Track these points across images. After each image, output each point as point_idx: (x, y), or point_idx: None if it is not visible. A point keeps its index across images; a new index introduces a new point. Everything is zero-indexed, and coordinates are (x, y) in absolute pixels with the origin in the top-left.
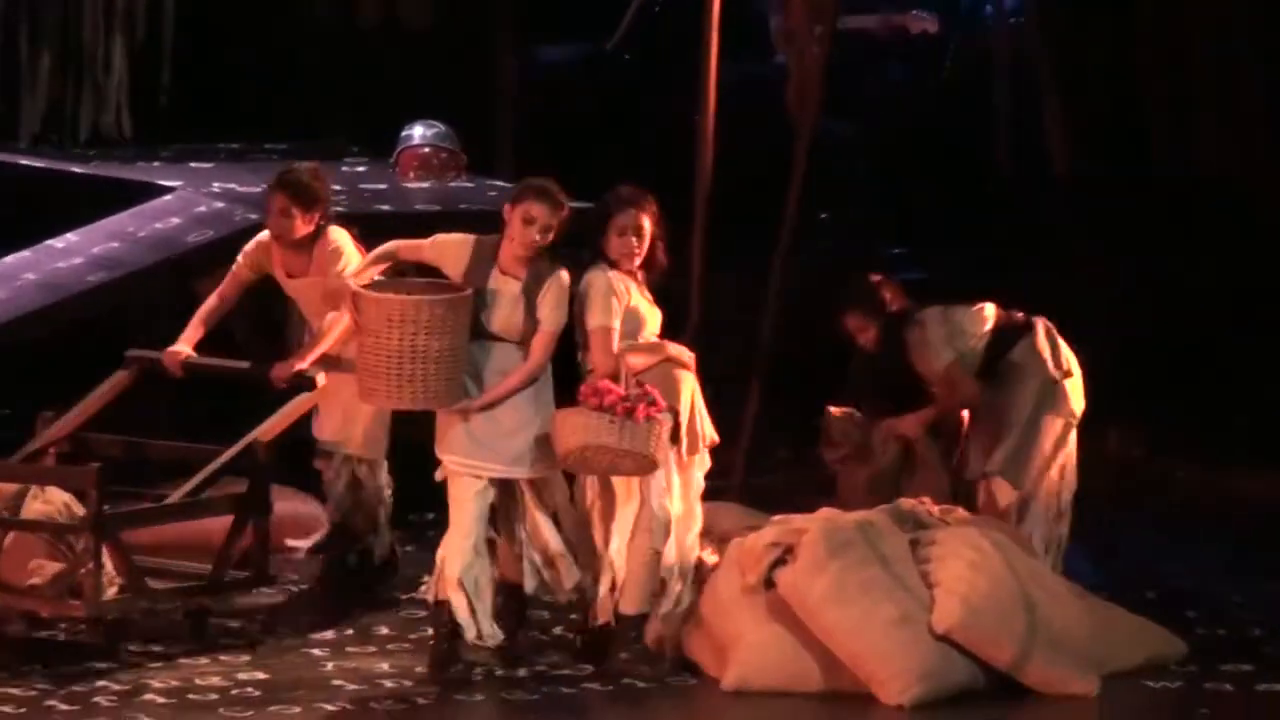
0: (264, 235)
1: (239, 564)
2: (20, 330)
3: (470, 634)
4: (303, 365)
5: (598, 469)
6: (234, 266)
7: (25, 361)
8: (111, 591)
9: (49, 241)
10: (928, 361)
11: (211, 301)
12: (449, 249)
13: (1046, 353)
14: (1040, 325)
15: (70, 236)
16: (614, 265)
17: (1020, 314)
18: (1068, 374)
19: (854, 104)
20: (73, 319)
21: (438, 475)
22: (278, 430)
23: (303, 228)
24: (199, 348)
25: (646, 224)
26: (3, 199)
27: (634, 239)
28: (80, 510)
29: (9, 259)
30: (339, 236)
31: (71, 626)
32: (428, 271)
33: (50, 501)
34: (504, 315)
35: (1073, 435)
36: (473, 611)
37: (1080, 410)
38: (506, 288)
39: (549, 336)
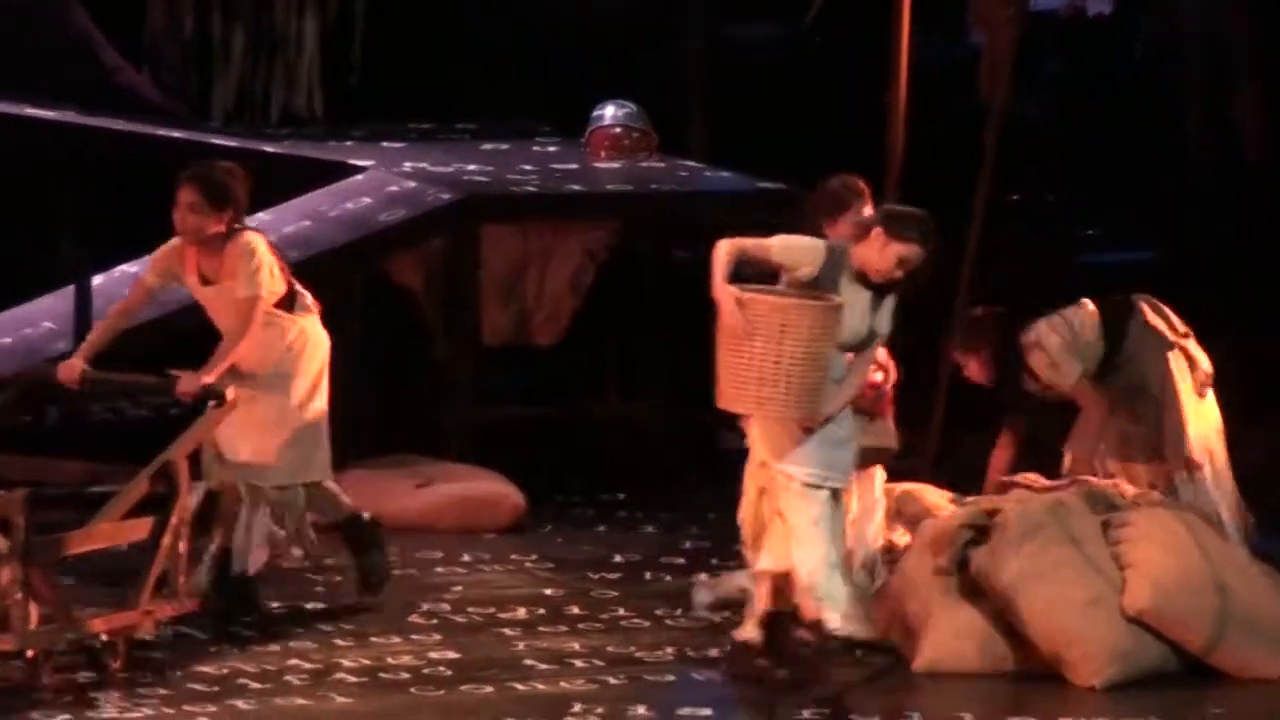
0: (175, 240)
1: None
2: None
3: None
4: (209, 379)
5: None
6: (139, 274)
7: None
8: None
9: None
10: (1059, 381)
11: (115, 311)
12: (799, 252)
13: (1160, 323)
14: (1141, 300)
15: (262, 216)
16: None
17: (1117, 296)
18: (1185, 335)
19: (1042, 86)
20: None
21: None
22: (189, 448)
23: (210, 226)
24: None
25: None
26: None
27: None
28: None
29: None
30: (253, 240)
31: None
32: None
33: None
34: (853, 325)
35: (1211, 394)
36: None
37: (1209, 369)
38: (859, 298)
39: (883, 348)
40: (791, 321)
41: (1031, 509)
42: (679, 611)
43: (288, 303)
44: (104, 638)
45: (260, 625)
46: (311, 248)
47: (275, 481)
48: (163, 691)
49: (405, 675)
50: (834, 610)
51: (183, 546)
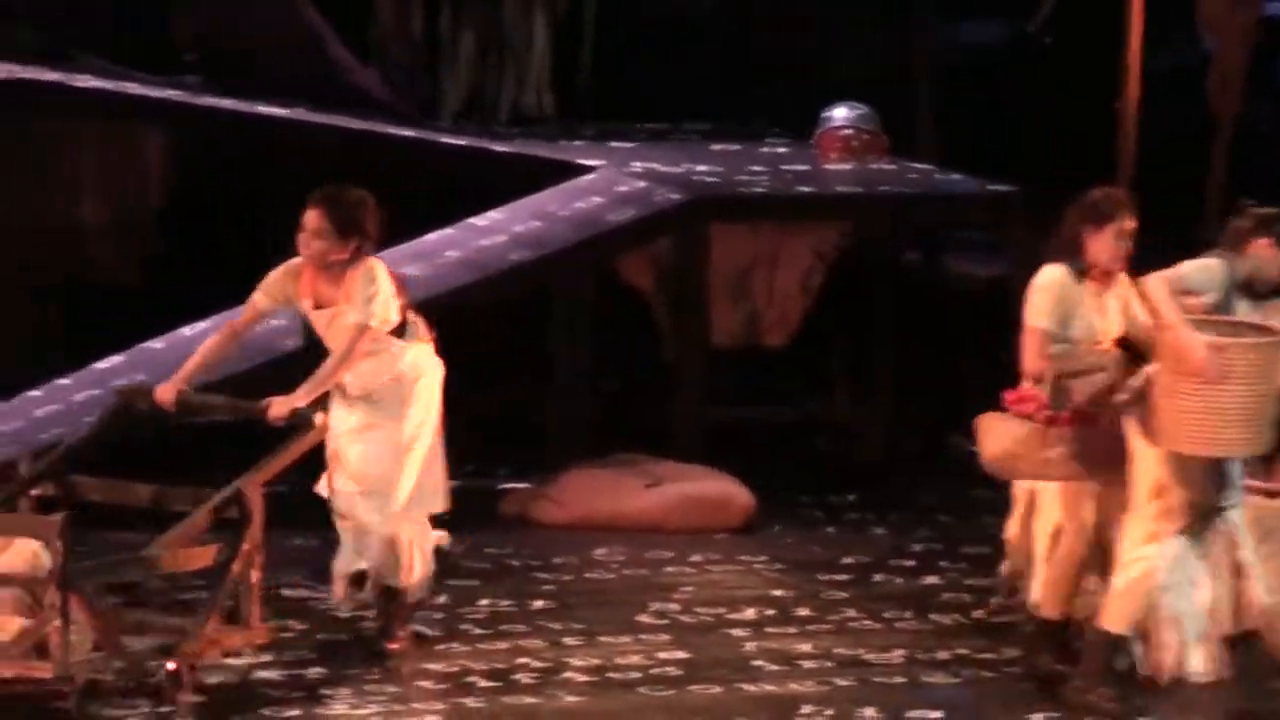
0: (291, 262)
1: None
2: (442, 307)
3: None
4: (301, 403)
5: (1023, 474)
6: (251, 298)
7: (447, 338)
8: (83, 649)
9: (471, 220)
10: None
11: (220, 335)
12: (1207, 276)
13: None
14: None
15: (493, 214)
16: (1082, 267)
17: None
18: None
19: (1274, 90)
20: (494, 297)
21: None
22: (270, 474)
23: (334, 253)
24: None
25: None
26: (425, 178)
27: (1127, 243)
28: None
29: (432, 237)
30: (375, 267)
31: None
32: None
33: (19, 552)
34: None
35: None
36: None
37: None
38: (1254, 311)
39: None
40: (1263, 360)
41: None
42: (908, 614)
43: (400, 331)
44: (169, 667)
45: (489, 622)
46: (542, 247)
47: (386, 510)
48: (391, 689)
49: (634, 675)
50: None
51: (254, 575)
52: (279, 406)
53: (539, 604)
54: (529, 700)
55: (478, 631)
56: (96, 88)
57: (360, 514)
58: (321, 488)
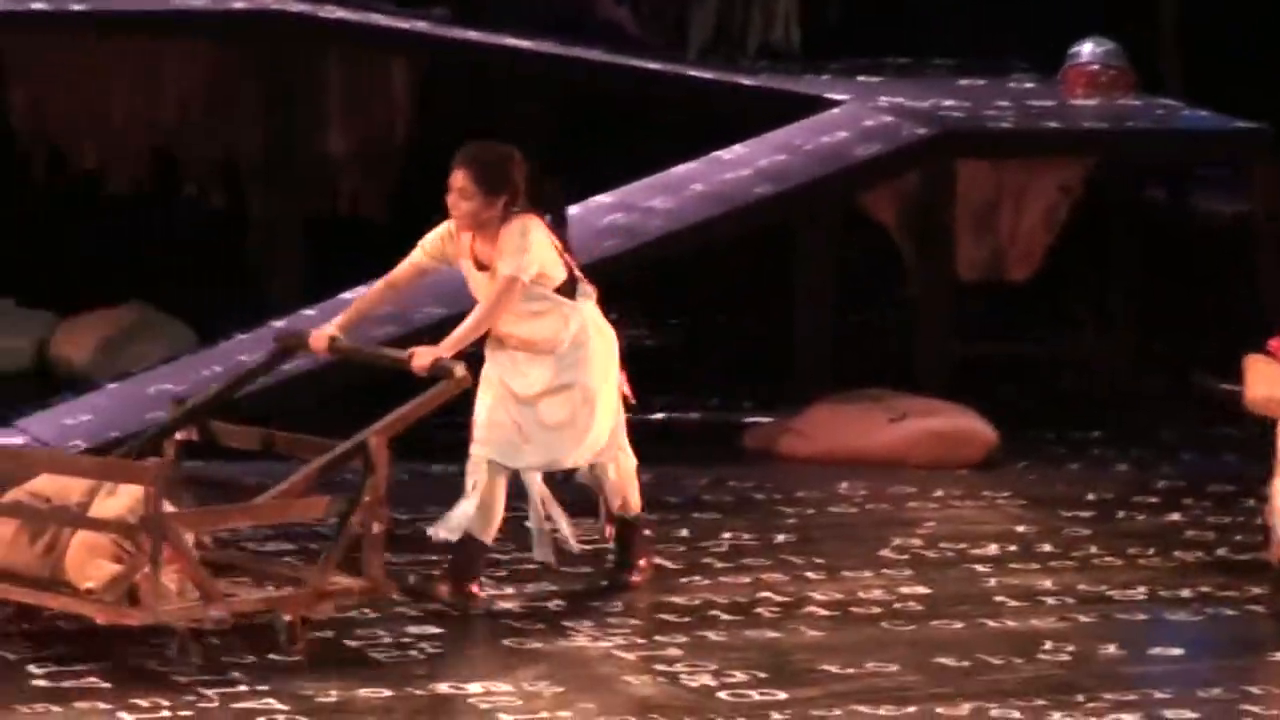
0: (453, 221)
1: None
2: (687, 240)
3: None
4: (445, 354)
5: None
6: (413, 252)
7: (688, 271)
8: (178, 598)
9: (717, 153)
10: None
11: (379, 287)
12: None
13: None
14: None
15: (738, 148)
16: None
17: None
18: None
19: None
20: (739, 231)
21: None
22: (400, 427)
23: (483, 211)
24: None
25: None
26: (672, 111)
27: None
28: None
29: (678, 170)
30: (527, 224)
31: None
32: None
33: (128, 496)
34: None
35: None
36: None
37: None
38: None
39: None
40: None
41: None
42: (1151, 551)
43: (568, 290)
44: (285, 618)
45: (731, 556)
46: (786, 181)
47: (597, 448)
48: (633, 621)
49: (876, 610)
50: None
51: (375, 528)
52: (422, 357)
53: (781, 538)
54: (770, 634)
55: (719, 565)
56: (344, 18)
57: (572, 462)
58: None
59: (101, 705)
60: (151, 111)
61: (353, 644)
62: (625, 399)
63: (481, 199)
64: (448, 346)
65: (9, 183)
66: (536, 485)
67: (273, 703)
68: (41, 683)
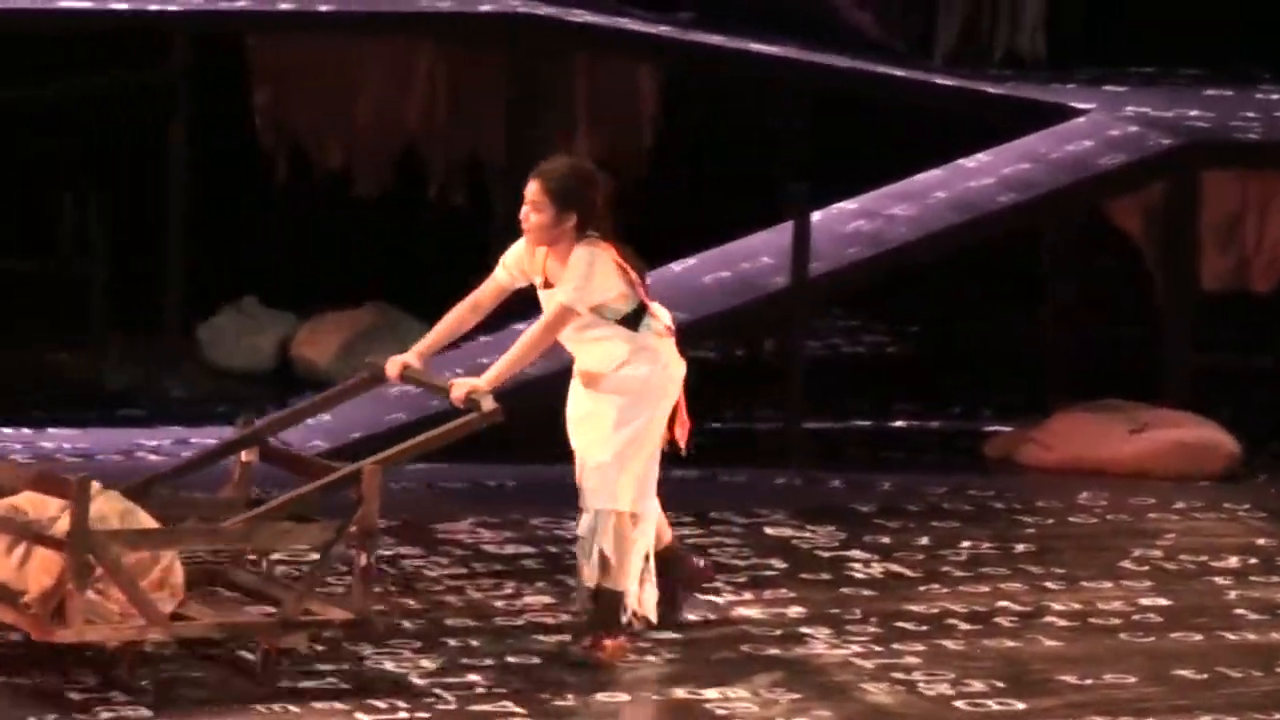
0: None
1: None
2: (929, 248)
3: None
4: (480, 385)
5: None
6: (496, 269)
7: (930, 279)
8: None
9: (961, 161)
10: None
11: (462, 307)
12: None
13: None
14: None
15: (981, 156)
16: None
17: None
18: None
19: None
20: (981, 239)
21: None
22: (403, 458)
23: (551, 227)
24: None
25: None
26: (917, 118)
27: None
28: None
29: (921, 177)
30: (596, 252)
31: None
32: None
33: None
34: None
35: None
36: None
37: None
38: None
39: None
40: None
41: None
42: None
43: (633, 320)
44: (263, 647)
45: (969, 565)
46: (1030, 190)
47: (595, 505)
48: (872, 629)
49: (1115, 621)
50: None
51: (364, 559)
52: (459, 387)
53: (1021, 547)
54: (1009, 644)
55: (958, 574)
56: (591, 22)
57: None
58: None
59: (339, 706)
60: (397, 113)
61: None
62: (674, 444)
63: (552, 214)
64: (489, 377)
65: (254, 183)
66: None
67: (510, 705)
68: (284, 683)
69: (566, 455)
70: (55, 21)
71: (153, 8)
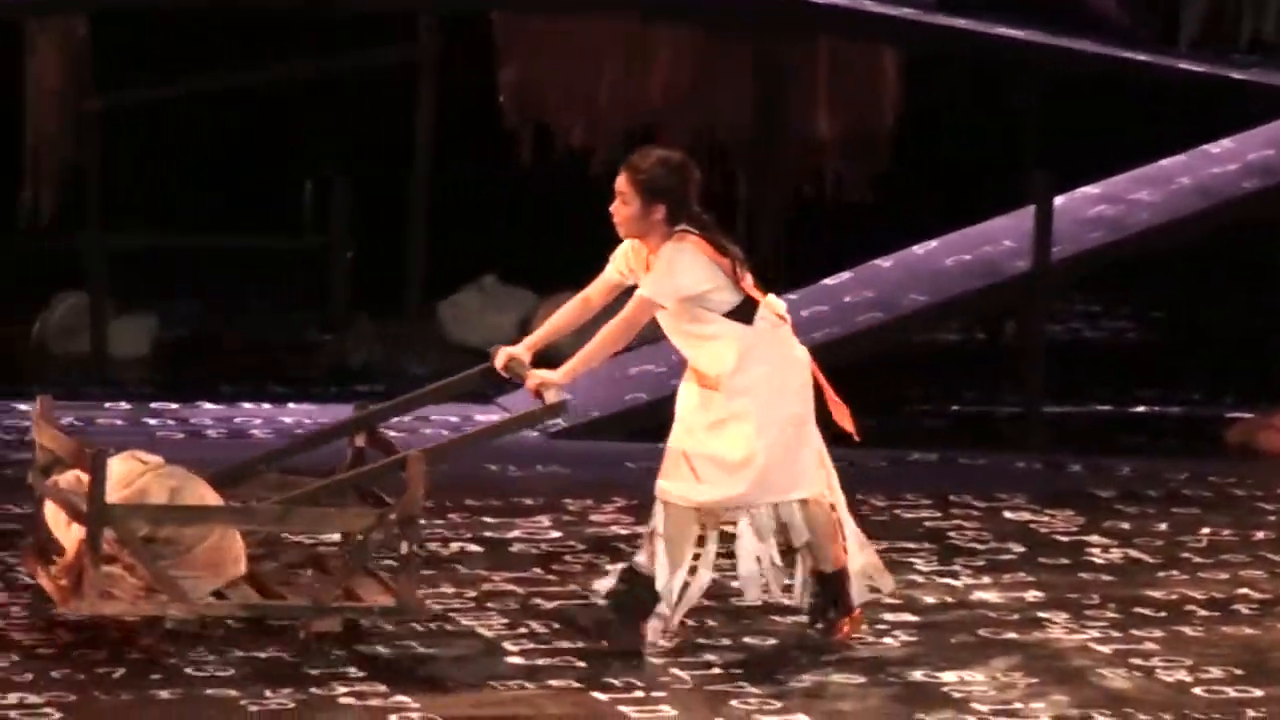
0: None
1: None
2: (1172, 234)
3: None
4: (557, 379)
5: None
6: (607, 266)
7: (1173, 264)
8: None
9: (1205, 146)
10: None
11: (574, 302)
12: None
13: None
14: None
15: (1226, 142)
16: None
17: None
18: None
19: None
20: (1226, 224)
21: None
22: (451, 448)
23: (639, 218)
24: None
25: None
26: (1162, 103)
27: None
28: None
29: (1165, 162)
30: (683, 246)
31: None
32: None
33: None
34: None
35: None
36: None
37: None
38: None
39: None
40: None
41: None
42: None
43: (744, 313)
44: (303, 632)
45: (1209, 551)
46: (1274, 175)
47: (771, 498)
48: (1110, 615)
49: None
50: None
51: (405, 547)
52: (533, 378)
53: (1261, 534)
54: (1248, 631)
55: (1198, 560)
56: (834, 4)
57: (752, 501)
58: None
59: (575, 684)
60: (638, 92)
61: None
62: (847, 433)
63: (639, 205)
64: (564, 370)
65: (496, 160)
66: (745, 528)
67: (746, 686)
68: (517, 660)
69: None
70: (304, 1)
71: None
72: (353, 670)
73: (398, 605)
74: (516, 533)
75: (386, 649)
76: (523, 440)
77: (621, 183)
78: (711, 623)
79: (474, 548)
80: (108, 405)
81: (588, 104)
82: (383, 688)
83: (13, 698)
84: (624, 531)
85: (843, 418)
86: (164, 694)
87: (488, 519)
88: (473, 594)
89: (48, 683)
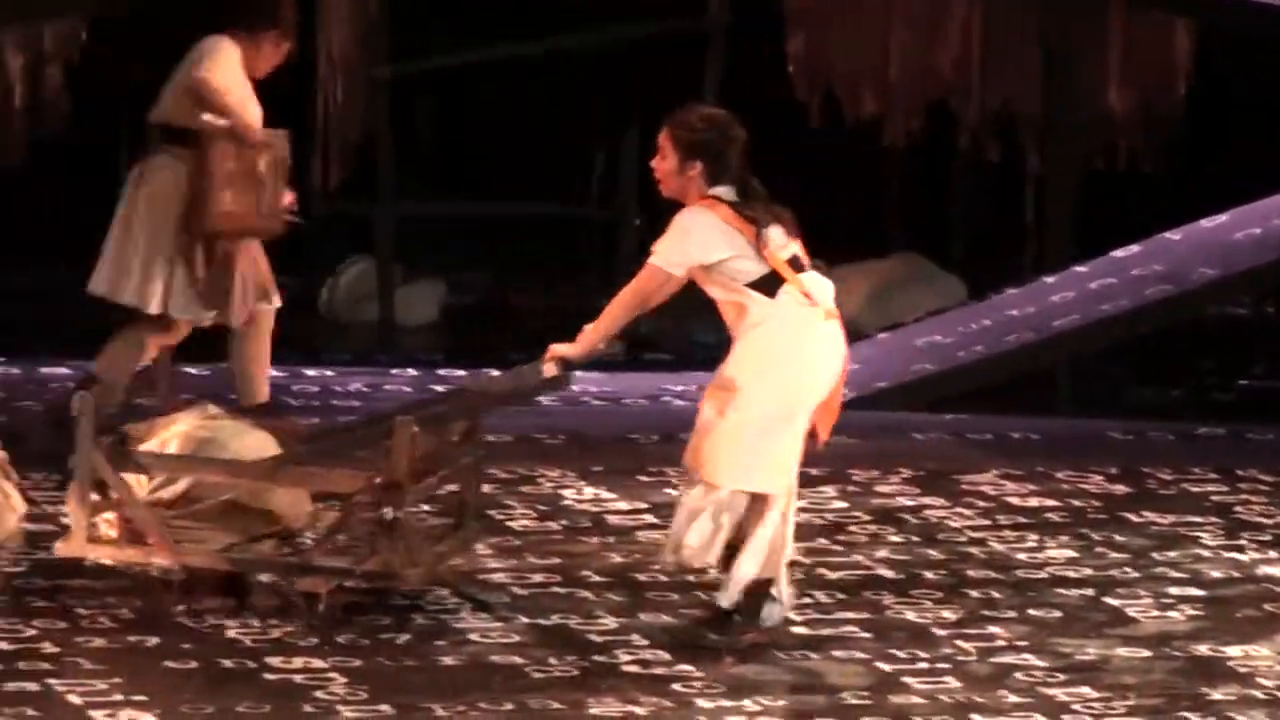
0: None
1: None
2: None
3: None
4: (563, 351)
5: None
6: None
7: None
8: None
9: None
10: None
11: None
12: None
13: None
14: None
15: None
16: None
17: None
18: None
19: None
20: None
21: None
22: (431, 418)
23: (676, 175)
24: None
25: None
26: None
27: None
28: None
29: None
30: (698, 209)
31: None
32: None
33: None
34: None
35: None
36: None
37: None
38: None
39: None
40: None
41: None
42: None
43: (767, 286)
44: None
45: None
46: None
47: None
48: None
49: None
50: None
51: (389, 512)
52: (553, 349)
53: None
54: None
55: None
56: None
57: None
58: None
59: (859, 655)
60: (931, 63)
61: (1113, 602)
62: (813, 436)
63: (676, 161)
64: (583, 340)
65: (787, 131)
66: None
67: (1030, 659)
68: (802, 630)
69: (1080, 409)
70: None
71: None
72: (635, 638)
73: (380, 570)
74: (801, 503)
75: (671, 617)
76: None
77: (661, 137)
78: (996, 594)
79: None
80: (394, 372)
81: (879, 75)
82: (666, 656)
83: (298, 661)
84: (909, 502)
85: (823, 423)
86: (448, 660)
87: None
88: None
89: (333, 647)
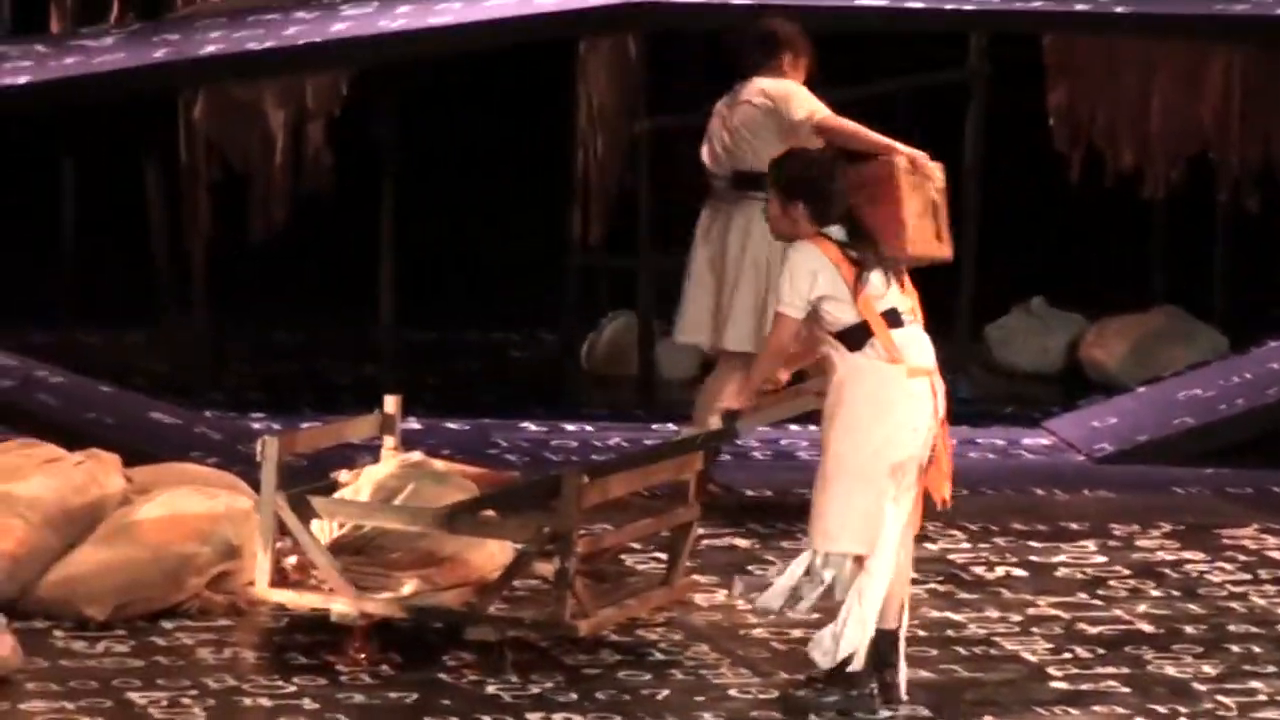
0: None
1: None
2: None
3: None
4: (733, 404)
5: None
6: None
7: None
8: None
9: None
10: None
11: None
12: None
13: None
14: None
15: None
16: None
17: None
18: None
19: None
20: None
21: None
22: (611, 472)
23: (780, 218)
24: None
25: None
26: None
27: None
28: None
29: None
30: (803, 246)
31: None
32: None
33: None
34: None
35: None
36: None
37: None
38: None
39: None
40: None
41: None
42: None
43: (854, 338)
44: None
45: None
46: None
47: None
48: None
49: None
50: None
51: (557, 563)
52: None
53: None
54: None
55: None
56: None
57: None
58: None
59: (1120, 710)
60: (1191, 115)
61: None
62: (928, 503)
63: (777, 204)
64: (734, 393)
65: (1047, 183)
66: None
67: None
68: (1061, 685)
69: None
70: (851, 21)
71: (949, 7)
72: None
73: (546, 621)
74: (1061, 557)
75: (930, 673)
76: (1069, 465)
77: (768, 181)
78: (1257, 649)
79: (1019, 572)
80: (654, 426)
81: (1139, 126)
82: (926, 712)
83: (557, 717)
84: (1169, 557)
85: (936, 488)
86: (708, 716)
87: (1033, 543)
88: (1017, 618)
89: (592, 704)
